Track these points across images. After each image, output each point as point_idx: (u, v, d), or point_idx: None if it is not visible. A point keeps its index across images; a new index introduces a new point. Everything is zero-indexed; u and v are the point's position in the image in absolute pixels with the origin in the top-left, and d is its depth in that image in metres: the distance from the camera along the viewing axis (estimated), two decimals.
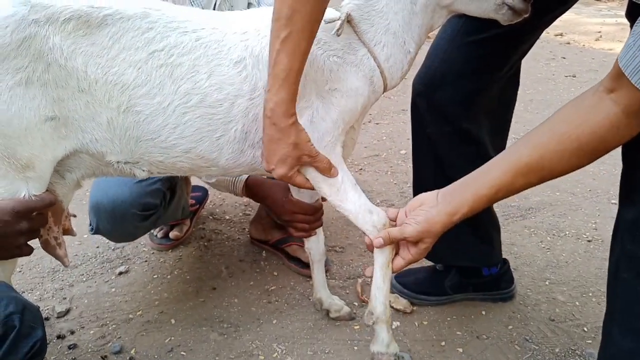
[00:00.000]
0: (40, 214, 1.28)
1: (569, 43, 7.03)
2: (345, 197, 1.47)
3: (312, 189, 1.47)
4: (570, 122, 1.16)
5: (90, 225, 1.87)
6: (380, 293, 1.46)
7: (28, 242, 1.26)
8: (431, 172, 1.87)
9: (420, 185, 1.94)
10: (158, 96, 1.32)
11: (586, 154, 1.17)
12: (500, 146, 1.89)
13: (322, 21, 1.38)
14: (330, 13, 1.44)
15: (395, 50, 1.46)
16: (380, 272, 1.45)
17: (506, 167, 1.24)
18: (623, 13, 1.34)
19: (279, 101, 1.28)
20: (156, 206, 1.94)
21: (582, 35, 7.45)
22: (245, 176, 1.97)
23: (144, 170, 1.44)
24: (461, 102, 1.66)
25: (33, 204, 1.24)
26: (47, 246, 1.45)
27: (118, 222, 1.84)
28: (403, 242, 1.39)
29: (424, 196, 1.36)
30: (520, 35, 1.63)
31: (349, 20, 1.43)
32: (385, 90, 1.52)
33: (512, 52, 1.68)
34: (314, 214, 1.81)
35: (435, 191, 1.36)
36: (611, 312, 1.29)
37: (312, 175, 1.45)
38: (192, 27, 1.35)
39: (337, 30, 1.40)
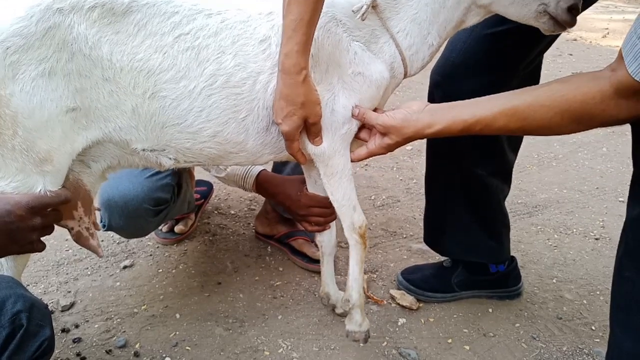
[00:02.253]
0: (55, 210, 1.26)
1: (575, 40, 7.00)
2: (339, 184, 1.51)
3: (303, 161, 1.47)
4: (568, 85, 1.21)
5: (102, 221, 1.86)
6: (357, 284, 1.61)
7: (40, 238, 1.24)
8: (445, 164, 1.86)
9: (433, 177, 1.93)
10: (184, 80, 1.32)
11: (569, 118, 1.21)
12: (516, 140, 1.88)
13: (352, 12, 1.40)
14: (358, 1, 1.43)
15: (417, 40, 1.46)
16: (357, 266, 1.59)
17: (494, 104, 1.30)
18: (630, 10, 1.33)
19: (288, 52, 1.27)
20: (167, 201, 1.94)
21: (589, 32, 7.41)
22: (256, 171, 1.96)
23: (170, 158, 1.42)
24: (478, 95, 1.65)
25: (48, 199, 1.22)
26: (79, 238, 1.43)
27: (130, 217, 1.83)
28: (373, 135, 1.46)
29: (415, 102, 1.42)
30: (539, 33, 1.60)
31: (374, 5, 1.42)
32: (405, 76, 1.52)
33: (533, 46, 1.64)
34: (330, 207, 1.78)
35: (426, 102, 1.42)
36: (614, 312, 1.28)
37: (317, 150, 1.45)
38: (217, 9, 1.36)
39: (362, 15, 1.39)
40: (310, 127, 1.40)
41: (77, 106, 1.24)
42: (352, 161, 1.51)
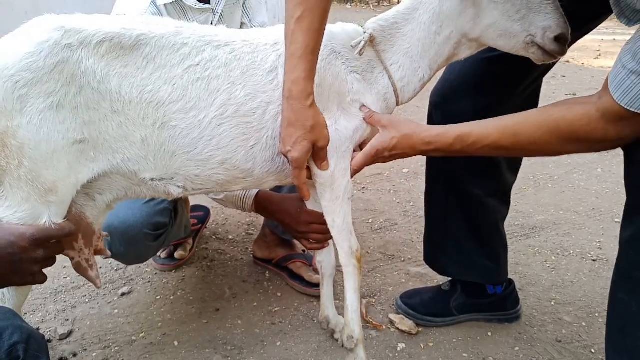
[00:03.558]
0: (57, 242, 1.26)
1: (568, 61, 7.09)
2: (341, 208, 1.55)
3: (307, 196, 1.54)
4: (558, 107, 1.27)
5: None
6: (357, 315, 1.61)
7: (42, 270, 1.23)
8: (443, 183, 1.88)
9: (432, 196, 1.95)
10: (194, 110, 1.34)
11: (557, 138, 1.26)
12: (514, 162, 1.90)
13: (350, 46, 1.46)
14: (355, 33, 1.51)
15: (409, 73, 1.52)
16: (355, 295, 1.60)
17: (489, 121, 1.36)
18: (620, 31, 1.38)
19: (295, 79, 1.31)
20: (166, 225, 1.95)
21: (582, 53, 7.52)
22: (255, 191, 1.97)
23: (179, 187, 1.44)
24: (475, 116, 1.67)
25: (53, 232, 1.22)
26: (78, 268, 1.44)
27: (131, 243, 1.84)
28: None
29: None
30: None
31: (371, 40, 1.48)
32: (397, 105, 1.58)
33: (530, 69, 1.66)
34: None
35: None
36: (608, 333, 1.28)
37: (325, 174, 1.49)
38: (225, 41, 1.40)
39: (360, 50, 1.45)
40: (319, 152, 1.43)
41: (85, 138, 1.25)
42: (352, 170, 1.54)
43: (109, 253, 1.61)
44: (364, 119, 1.49)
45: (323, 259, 1.86)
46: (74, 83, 1.22)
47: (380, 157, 1.51)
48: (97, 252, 1.53)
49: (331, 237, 1.80)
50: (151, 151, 1.34)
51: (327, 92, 1.45)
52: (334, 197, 1.54)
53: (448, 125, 1.43)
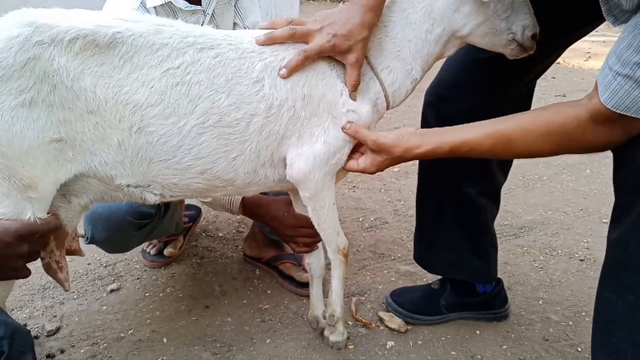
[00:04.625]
0: (42, 236, 1.24)
1: (558, 63, 7.08)
2: (327, 216, 1.57)
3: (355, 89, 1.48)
4: (550, 111, 1.28)
5: (85, 234, 1.84)
6: (339, 298, 1.74)
7: (26, 264, 1.22)
8: (435, 181, 1.89)
9: (423, 194, 1.96)
10: (173, 116, 1.29)
11: (550, 142, 1.27)
12: (505, 163, 1.91)
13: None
14: None
15: (401, 75, 1.50)
16: (340, 283, 1.72)
17: (480, 129, 1.36)
18: (610, 34, 1.42)
19: None
20: (151, 215, 1.93)
21: (572, 55, 7.56)
22: None
23: (156, 194, 1.40)
24: (468, 117, 1.68)
25: (38, 227, 1.20)
26: (48, 269, 1.42)
27: (114, 230, 1.82)
28: (366, 151, 1.49)
29: (406, 127, 1.48)
30: (534, 57, 1.64)
31: None
32: (388, 109, 1.56)
33: (524, 72, 1.68)
34: None
35: (417, 128, 1.50)
36: (595, 333, 1.30)
37: (306, 189, 1.49)
38: (210, 44, 1.33)
39: None
40: (360, 62, 1.43)
41: (62, 137, 1.22)
42: (345, 169, 1.53)
43: (84, 254, 1.58)
44: (348, 134, 1.44)
45: (312, 260, 1.85)
46: (46, 81, 1.18)
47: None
48: (72, 252, 1.51)
49: (319, 240, 1.80)
50: (128, 156, 1.30)
51: (317, 100, 1.41)
52: (318, 207, 1.54)
53: (439, 133, 1.42)
